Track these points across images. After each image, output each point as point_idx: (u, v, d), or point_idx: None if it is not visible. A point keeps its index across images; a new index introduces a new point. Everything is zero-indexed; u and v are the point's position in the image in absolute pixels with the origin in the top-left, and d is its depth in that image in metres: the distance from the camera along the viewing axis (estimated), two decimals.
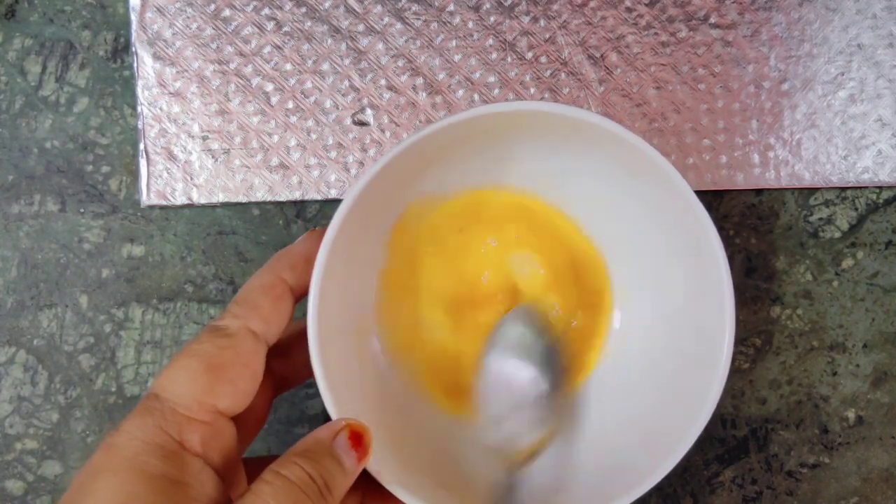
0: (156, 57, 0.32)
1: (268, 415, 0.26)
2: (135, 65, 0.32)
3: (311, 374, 0.25)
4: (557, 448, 0.30)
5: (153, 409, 0.22)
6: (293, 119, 0.32)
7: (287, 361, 0.27)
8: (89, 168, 0.32)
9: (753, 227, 0.33)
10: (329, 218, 0.33)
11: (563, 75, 0.32)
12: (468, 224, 0.30)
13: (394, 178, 0.27)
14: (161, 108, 0.32)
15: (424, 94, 0.32)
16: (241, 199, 0.32)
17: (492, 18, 0.32)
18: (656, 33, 0.32)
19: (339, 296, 0.27)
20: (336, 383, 0.26)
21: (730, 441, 0.33)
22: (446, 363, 0.31)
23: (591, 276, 0.31)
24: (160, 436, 0.22)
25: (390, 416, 0.29)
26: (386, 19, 0.32)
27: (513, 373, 0.28)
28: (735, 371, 0.33)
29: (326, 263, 0.25)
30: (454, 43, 0.32)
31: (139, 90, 0.32)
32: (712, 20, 0.32)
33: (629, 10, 0.32)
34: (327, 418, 0.32)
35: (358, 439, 0.24)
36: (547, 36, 0.32)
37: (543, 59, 0.32)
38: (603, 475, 0.28)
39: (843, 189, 0.33)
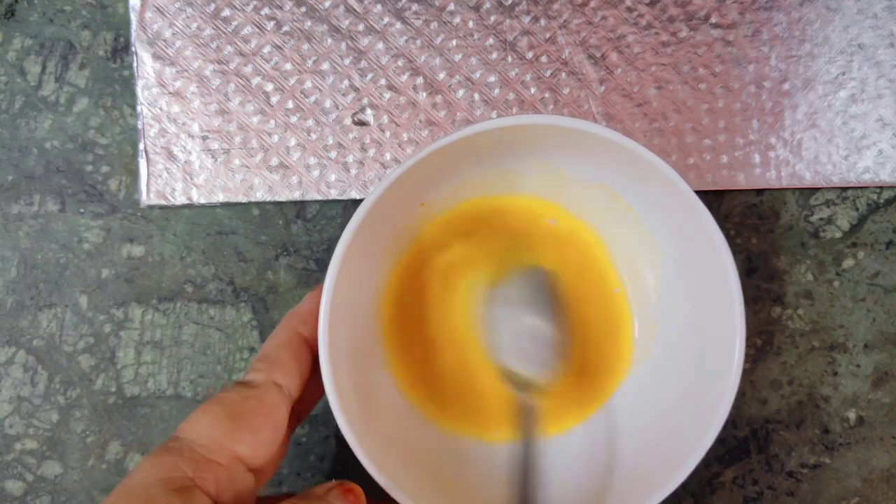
0: (155, 57, 0.32)
1: (283, 456, 0.27)
2: (134, 65, 0.32)
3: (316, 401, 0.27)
4: (570, 460, 0.30)
5: (171, 449, 0.23)
6: (293, 119, 0.32)
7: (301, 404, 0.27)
8: (89, 168, 0.32)
9: (754, 227, 0.33)
10: (329, 218, 0.33)
11: (563, 75, 0.32)
12: (475, 240, 0.30)
13: (396, 197, 0.27)
14: (161, 108, 0.32)
15: (424, 94, 0.32)
16: (241, 199, 0.32)
17: (492, 18, 0.32)
18: (657, 33, 0.32)
19: (347, 320, 0.27)
20: (348, 404, 0.26)
21: (730, 441, 0.33)
22: (454, 384, 0.31)
23: (603, 290, 0.31)
24: (173, 471, 0.22)
25: (401, 436, 0.29)
26: (386, 19, 0.32)
27: (518, 318, 0.29)
28: None
29: (335, 284, 0.26)
30: (454, 42, 0.32)
31: (139, 90, 0.32)
32: (713, 20, 0.32)
33: (630, 9, 0.32)
34: (328, 419, 0.32)
35: (349, 491, 0.25)
36: (547, 36, 0.32)
37: (544, 59, 0.32)
38: (616, 485, 0.28)
39: (844, 189, 0.33)
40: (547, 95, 0.32)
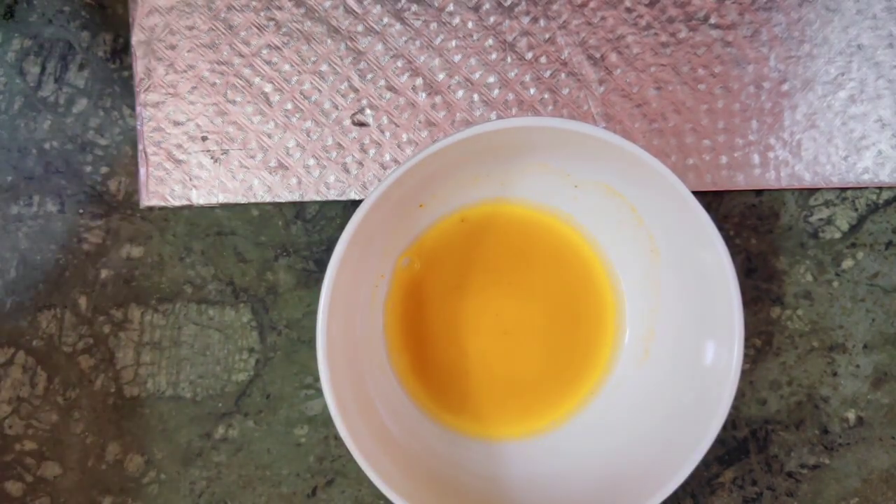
0: (155, 57, 0.32)
1: None
2: (134, 65, 0.32)
3: None
4: (570, 464, 0.30)
5: None
6: (292, 120, 0.32)
7: None
8: (88, 169, 0.32)
9: (753, 228, 0.33)
10: (328, 219, 0.33)
11: (562, 75, 0.32)
12: (474, 239, 0.31)
13: (395, 199, 0.27)
14: (160, 109, 0.32)
15: (424, 95, 0.32)
16: (241, 199, 0.32)
17: (491, 19, 0.32)
18: (656, 33, 0.32)
19: (347, 321, 0.27)
20: (346, 406, 0.26)
21: (730, 442, 0.33)
22: (456, 383, 0.31)
23: (597, 290, 0.31)
24: None
25: (401, 437, 0.29)
26: (385, 20, 0.32)
27: None
28: None
29: (334, 284, 0.26)
30: (454, 43, 0.32)
31: (138, 91, 0.32)
32: (712, 20, 0.32)
33: (629, 10, 0.32)
34: (327, 419, 0.32)
35: None
36: (547, 36, 0.32)
37: (543, 60, 0.32)
38: (616, 485, 0.28)
39: (843, 189, 0.33)
40: (546, 96, 0.32)
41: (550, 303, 0.31)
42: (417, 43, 0.32)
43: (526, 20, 0.32)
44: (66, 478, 0.32)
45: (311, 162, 0.32)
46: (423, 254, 0.31)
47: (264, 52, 0.32)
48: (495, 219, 0.31)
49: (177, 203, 0.32)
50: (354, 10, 0.32)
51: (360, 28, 0.32)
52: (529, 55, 0.32)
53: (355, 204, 0.32)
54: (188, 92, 0.32)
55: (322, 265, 0.32)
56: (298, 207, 0.32)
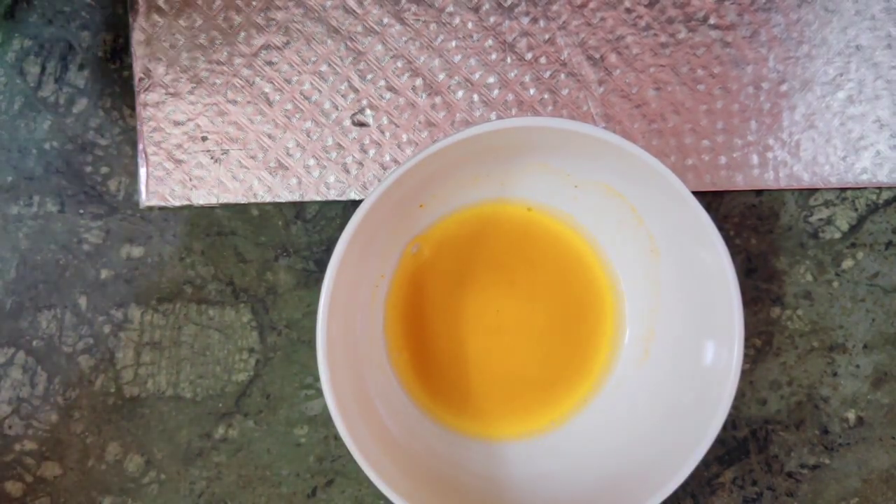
0: (155, 58, 0.32)
1: None
2: (134, 65, 0.32)
3: None
4: (570, 464, 0.30)
5: None
6: (292, 120, 0.32)
7: None
8: (88, 169, 0.32)
9: (753, 228, 0.33)
10: (328, 219, 0.33)
11: (562, 76, 0.32)
12: (474, 240, 0.31)
13: (395, 199, 0.27)
14: (160, 109, 0.32)
15: (424, 95, 0.32)
16: (241, 199, 0.32)
17: (491, 19, 0.32)
18: (655, 34, 0.32)
19: (347, 321, 0.27)
20: (346, 406, 0.26)
21: (730, 442, 0.33)
22: (456, 382, 0.31)
23: (597, 290, 0.31)
24: None
25: (401, 437, 0.29)
26: (385, 20, 0.32)
27: None
28: None
29: (334, 284, 0.26)
30: (454, 44, 0.32)
31: (138, 91, 0.32)
32: (711, 21, 0.32)
33: (628, 10, 0.32)
34: (327, 419, 0.32)
35: None
36: (546, 37, 0.32)
37: (543, 60, 0.32)
38: (615, 485, 0.28)
39: (843, 190, 0.33)
40: (546, 96, 0.32)
41: (550, 303, 0.31)
42: (417, 43, 0.32)
43: (526, 21, 0.32)
44: (66, 478, 0.32)
45: (311, 162, 0.32)
46: (424, 253, 0.31)
47: (264, 52, 0.32)
48: (495, 217, 0.31)
49: (177, 203, 0.32)
50: (354, 11, 0.32)
51: (360, 28, 0.32)
52: (529, 56, 0.32)
53: (355, 204, 0.32)
54: (188, 92, 0.32)
55: (322, 265, 0.32)
56: (298, 207, 0.32)
